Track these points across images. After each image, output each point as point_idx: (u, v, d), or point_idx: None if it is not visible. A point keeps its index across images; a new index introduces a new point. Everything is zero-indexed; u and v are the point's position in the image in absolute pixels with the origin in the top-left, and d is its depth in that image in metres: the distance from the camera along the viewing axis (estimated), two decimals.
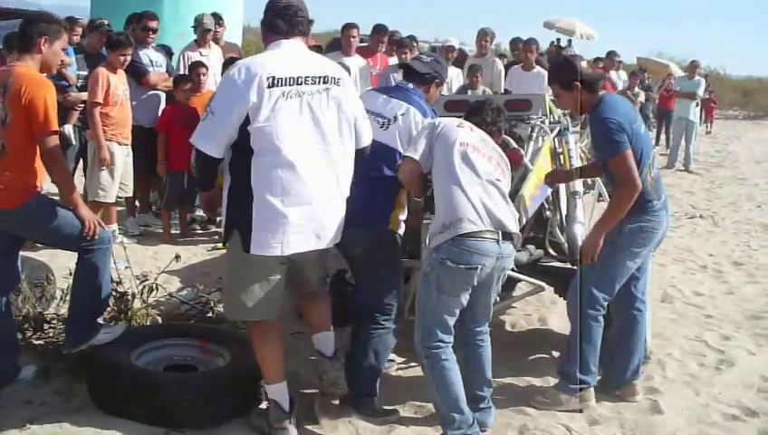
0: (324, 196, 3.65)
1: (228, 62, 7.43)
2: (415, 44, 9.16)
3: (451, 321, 3.81)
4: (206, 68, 7.67)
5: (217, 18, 8.55)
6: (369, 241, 4.06)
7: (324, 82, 3.63)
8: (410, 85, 4.27)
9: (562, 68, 4.40)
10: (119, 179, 6.88)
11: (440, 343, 3.78)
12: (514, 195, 4.63)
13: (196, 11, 8.72)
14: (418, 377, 4.61)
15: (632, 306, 4.44)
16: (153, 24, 7.65)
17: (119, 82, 6.72)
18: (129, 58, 6.79)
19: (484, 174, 3.84)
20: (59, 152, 3.92)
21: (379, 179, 4.07)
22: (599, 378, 4.41)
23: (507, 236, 3.79)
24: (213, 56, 8.12)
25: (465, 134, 3.94)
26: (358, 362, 4.09)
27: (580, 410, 4.26)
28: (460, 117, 4.36)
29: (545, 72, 9.50)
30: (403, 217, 4.22)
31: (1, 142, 3.78)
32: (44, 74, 4.00)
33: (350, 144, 3.77)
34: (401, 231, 4.22)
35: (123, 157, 6.90)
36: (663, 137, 17.22)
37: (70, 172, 4.04)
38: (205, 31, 8.18)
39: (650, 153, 4.25)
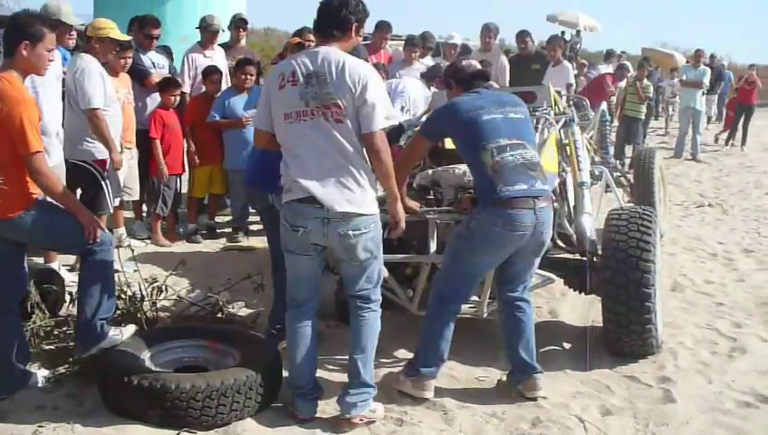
0: None
1: (242, 63, 7.38)
2: (430, 41, 9.33)
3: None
4: (221, 74, 7.69)
5: (243, 22, 8.54)
6: (264, 201, 4.66)
7: None
8: None
9: (446, 70, 4.78)
10: (121, 183, 6.85)
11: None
12: None
13: (200, 14, 8.71)
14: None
15: (513, 307, 4.30)
16: (156, 31, 7.62)
17: (119, 86, 6.69)
18: (129, 61, 6.77)
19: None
20: (46, 169, 3.88)
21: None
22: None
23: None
24: (217, 57, 8.12)
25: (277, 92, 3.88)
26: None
27: (423, 397, 4.20)
28: None
29: (569, 65, 9.85)
30: None
31: None
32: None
33: None
34: None
35: (127, 160, 6.85)
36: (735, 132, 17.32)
37: (61, 184, 4.01)
38: (213, 33, 8.17)
39: (496, 138, 4.08)
